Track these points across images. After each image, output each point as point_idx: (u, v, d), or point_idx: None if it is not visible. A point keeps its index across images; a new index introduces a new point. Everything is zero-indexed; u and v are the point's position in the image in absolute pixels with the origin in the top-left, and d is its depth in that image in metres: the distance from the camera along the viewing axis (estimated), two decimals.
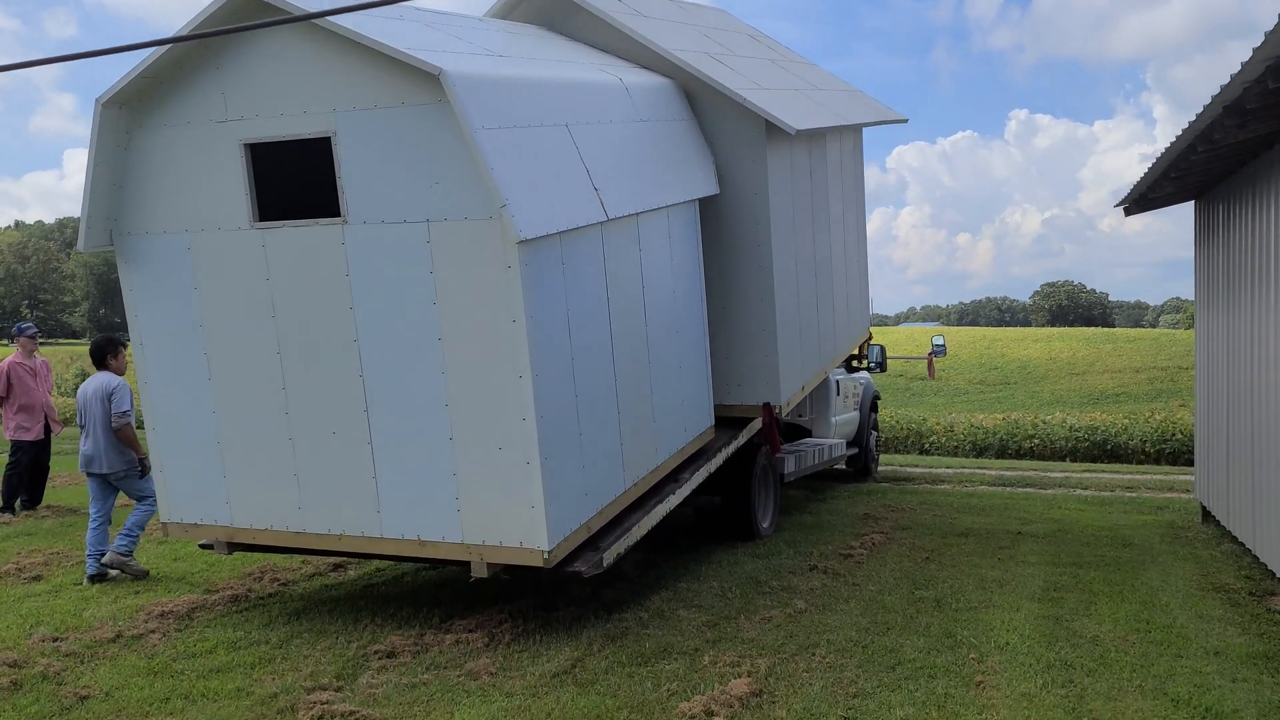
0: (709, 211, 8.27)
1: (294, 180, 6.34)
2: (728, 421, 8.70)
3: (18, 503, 10.78)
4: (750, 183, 8.29)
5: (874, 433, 13.78)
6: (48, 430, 10.98)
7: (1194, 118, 6.29)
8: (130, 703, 5.34)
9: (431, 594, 7.34)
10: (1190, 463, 17.59)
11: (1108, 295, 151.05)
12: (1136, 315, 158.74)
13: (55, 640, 6.35)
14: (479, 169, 5.58)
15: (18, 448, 10.76)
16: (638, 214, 7.01)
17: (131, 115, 6.41)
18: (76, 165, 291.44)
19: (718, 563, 8.13)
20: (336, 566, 8.23)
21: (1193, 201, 10.28)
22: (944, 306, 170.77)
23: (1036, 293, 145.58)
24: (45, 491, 11.23)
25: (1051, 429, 19.41)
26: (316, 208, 6.21)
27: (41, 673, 5.77)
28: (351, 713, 5.10)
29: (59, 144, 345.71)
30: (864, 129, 11.62)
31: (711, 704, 5.09)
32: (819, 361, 9.92)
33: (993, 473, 14.36)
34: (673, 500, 7.41)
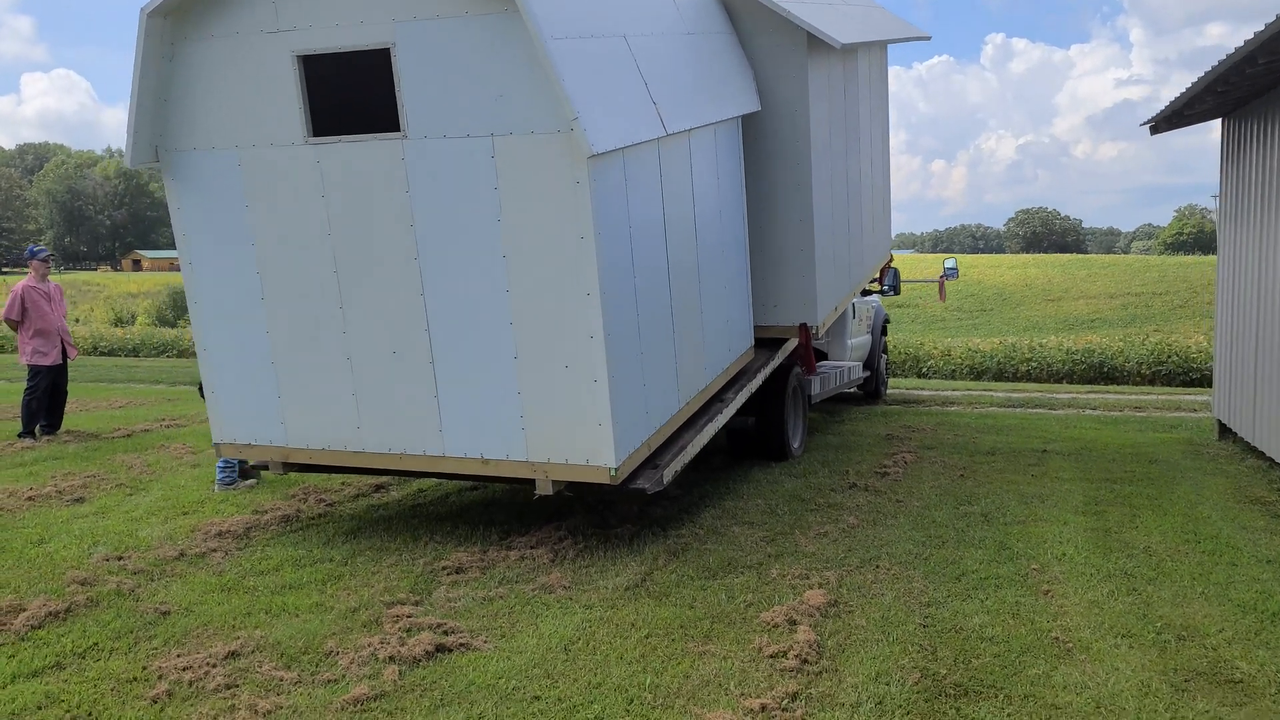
0: (748, 129, 8.20)
1: (349, 93, 6.20)
2: (763, 343, 8.73)
3: (38, 428, 10.69)
4: (790, 99, 8.20)
5: (884, 356, 13.88)
6: (64, 355, 10.85)
7: (1262, 27, 6.27)
8: (212, 617, 5.37)
9: (482, 513, 7.39)
10: (1187, 384, 17.93)
11: (1081, 222, 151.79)
12: (1109, 242, 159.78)
13: (118, 559, 6.35)
14: (550, 81, 5.48)
15: (36, 372, 10.65)
16: (689, 130, 6.94)
17: (176, 25, 6.23)
18: (35, 90, 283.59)
19: (757, 481, 8.22)
20: (378, 488, 8.26)
21: (1220, 119, 10.27)
22: (918, 234, 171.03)
23: (1011, 220, 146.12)
24: (64, 416, 11.14)
25: (1048, 352, 19.62)
26: (374, 122, 6.08)
27: (115, 589, 5.78)
28: (437, 624, 5.15)
29: (15, 68, 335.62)
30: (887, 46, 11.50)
31: (793, 613, 5.18)
32: (849, 283, 9.94)
33: (1000, 394, 14.53)
34: (720, 420, 7.45)
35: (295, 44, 6.03)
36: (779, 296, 8.63)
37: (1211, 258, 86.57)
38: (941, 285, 14.09)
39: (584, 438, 6.01)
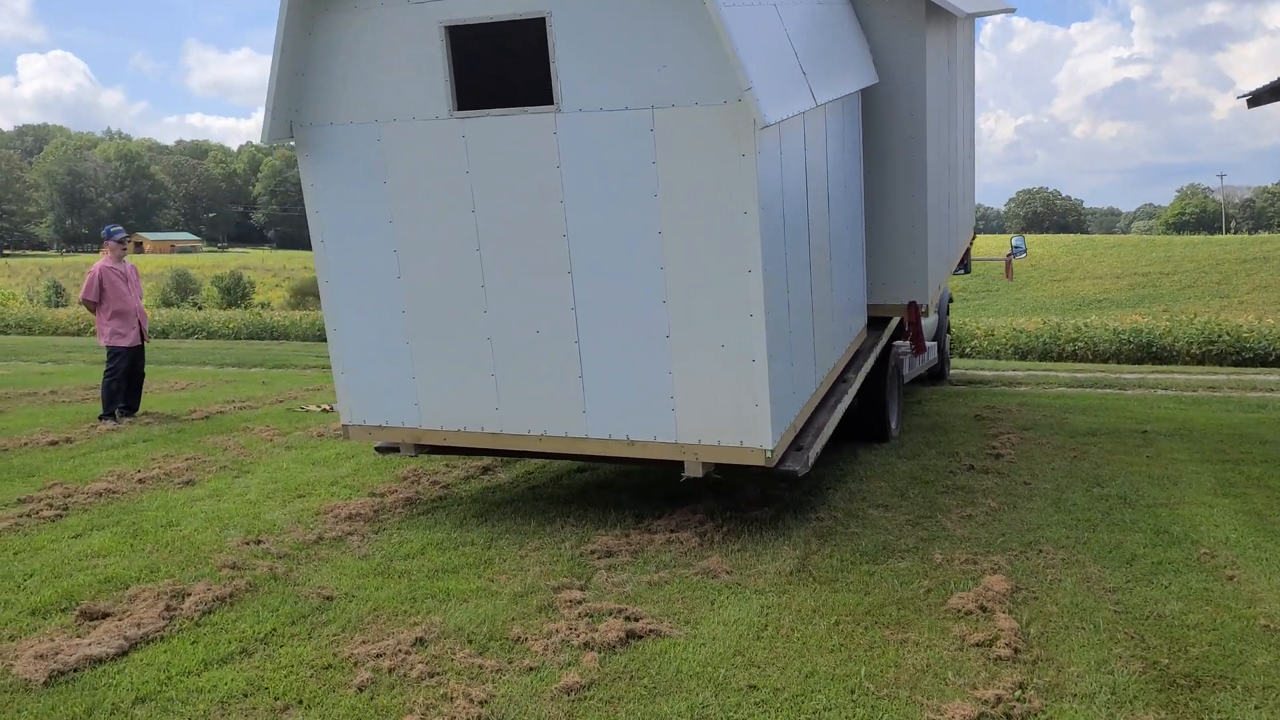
0: (863, 102, 8.04)
1: (497, 65, 6.02)
2: (870, 322, 8.60)
3: (118, 410, 10.55)
4: (907, 71, 8.03)
5: (947, 335, 13.75)
6: (142, 336, 10.70)
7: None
8: (379, 602, 5.25)
9: (604, 494, 7.27)
10: (1239, 363, 17.81)
11: (1082, 202, 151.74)
12: (1109, 222, 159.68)
13: (256, 542, 6.23)
14: (723, 51, 5.32)
15: (115, 354, 10.51)
16: (827, 103, 6.78)
17: None
18: (32, 71, 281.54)
19: (867, 463, 8.10)
20: (485, 469, 8.13)
21: None
22: None
23: (1012, 200, 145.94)
24: (141, 398, 11.00)
25: (1094, 332, 19.47)
26: (524, 95, 5.91)
27: (269, 574, 5.66)
28: (618, 610, 5.03)
29: (12, 49, 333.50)
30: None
31: (982, 599, 5.07)
32: (948, 261, 9.80)
33: (1065, 375, 14.40)
34: (847, 400, 7.33)
35: (444, 14, 5.86)
36: (888, 274, 8.48)
37: (1218, 236, 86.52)
38: (1009, 264, 13.95)
39: (739, 418, 5.88)
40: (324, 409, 11.33)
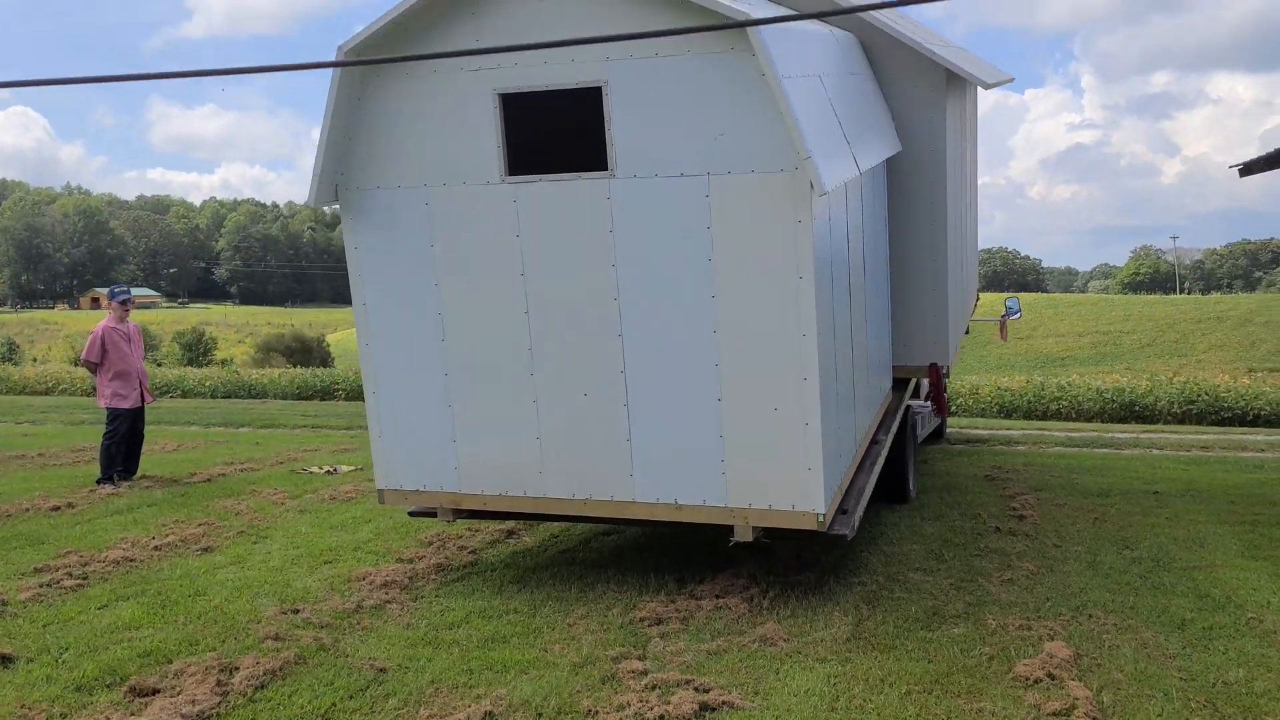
0: (888, 168, 8.17)
1: (550, 131, 6.05)
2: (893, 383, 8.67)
3: (116, 473, 10.32)
4: (928, 139, 8.18)
5: (945, 395, 13.86)
6: (143, 397, 10.52)
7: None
8: (436, 674, 5.13)
9: (640, 559, 7.19)
10: (1219, 423, 18.09)
11: (1040, 261, 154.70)
12: (1066, 281, 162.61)
13: (294, 612, 6.09)
14: (784, 120, 5.39)
15: (115, 416, 10.31)
16: (862, 171, 6.88)
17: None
18: None
19: (894, 525, 8.10)
20: (510, 533, 8.03)
21: None
22: None
23: None
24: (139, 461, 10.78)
25: (1077, 391, 19.74)
26: (578, 161, 5.95)
27: (316, 645, 5.52)
28: (685, 680, 4.96)
29: None
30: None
31: (1048, 667, 5.04)
32: (963, 322, 9.91)
33: (1060, 434, 14.55)
34: (880, 462, 7.35)
35: (497, 82, 5.90)
36: (909, 336, 8.56)
37: (1174, 296, 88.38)
38: (1003, 325, 14.13)
39: (791, 482, 5.86)
40: (327, 470, 11.17)
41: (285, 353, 50.97)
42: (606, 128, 5.78)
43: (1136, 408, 18.98)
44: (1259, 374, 35.74)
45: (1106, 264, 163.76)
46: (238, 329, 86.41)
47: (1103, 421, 18.72)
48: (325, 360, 46.85)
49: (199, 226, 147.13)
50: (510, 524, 8.12)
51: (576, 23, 5.72)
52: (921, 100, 8.13)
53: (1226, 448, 13.25)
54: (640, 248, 5.87)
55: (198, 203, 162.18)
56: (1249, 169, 10.58)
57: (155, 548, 7.66)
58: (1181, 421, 18.60)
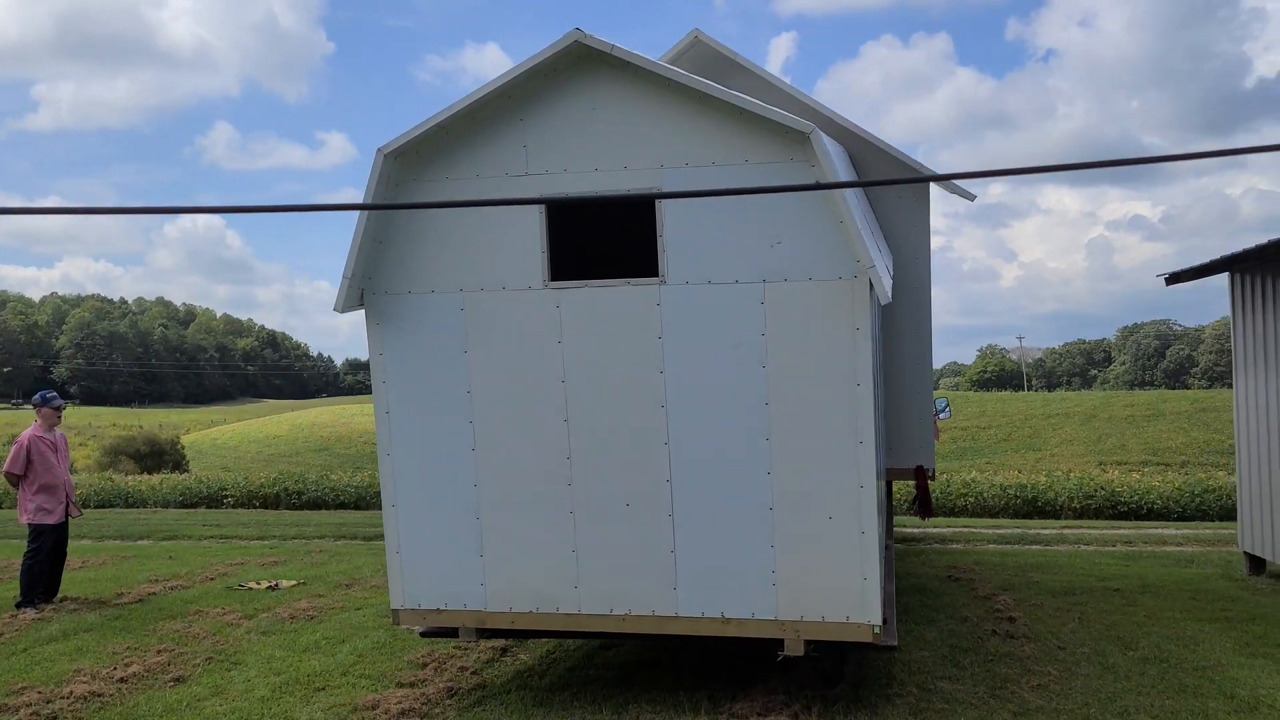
0: None
1: (597, 237, 5.96)
2: None
3: (38, 596, 9.43)
4: (912, 248, 8.42)
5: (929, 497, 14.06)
6: (68, 511, 9.71)
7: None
8: None
9: (656, 675, 6.92)
10: (1115, 516, 18.87)
11: None
12: None
13: None
14: (843, 229, 5.45)
15: (39, 532, 9.48)
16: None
17: (405, 167, 5.89)
18: None
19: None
20: (505, 650, 7.64)
21: (1227, 273, 11.16)
22: None
23: None
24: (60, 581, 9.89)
25: (981, 486, 20.36)
26: (627, 266, 5.86)
27: None
28: None
29: None
30: None
31: None
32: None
33: (987, 531, 14.91)
34: (892, 565, 7.33)
35: (546, 187, 5.80)
36: (897, 440, 8.66)
37: (1023, 393, 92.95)
38: (934, 424, 14.48)
39: (846, 593, 5.77)
40: (269, 586, 10.48)
41: (135, 456, 47.88)
42: (659, 235, 5.72)
43: (1039, 503, 19.66)
44: (1108, 466, 37.80)
45: (956, 362, 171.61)
46: (79, 431, 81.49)
47: (1007, 517, 19.32)
48: (179, 464, 44.13)
49: (38, 323, 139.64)
50: (502, 641, 7.73)
51: (630, 130, 5.68)
52: (906, 208, 8.38)
53: (1148, 542, 13.79)
54: (690, 354, 5.78)
55: (37, 298, 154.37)
56: (1176, 278, 11.26)
57: (120, 680, 6.97)
58: (1081, 515, 19.34)
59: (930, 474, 8.74)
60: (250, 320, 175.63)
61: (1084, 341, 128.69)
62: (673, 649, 7.48)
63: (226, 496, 23.18)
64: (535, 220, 5.83)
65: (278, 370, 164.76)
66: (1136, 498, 19.05)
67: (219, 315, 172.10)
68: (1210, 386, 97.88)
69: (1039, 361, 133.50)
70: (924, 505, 9.05)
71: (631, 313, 5.82)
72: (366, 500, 22.20)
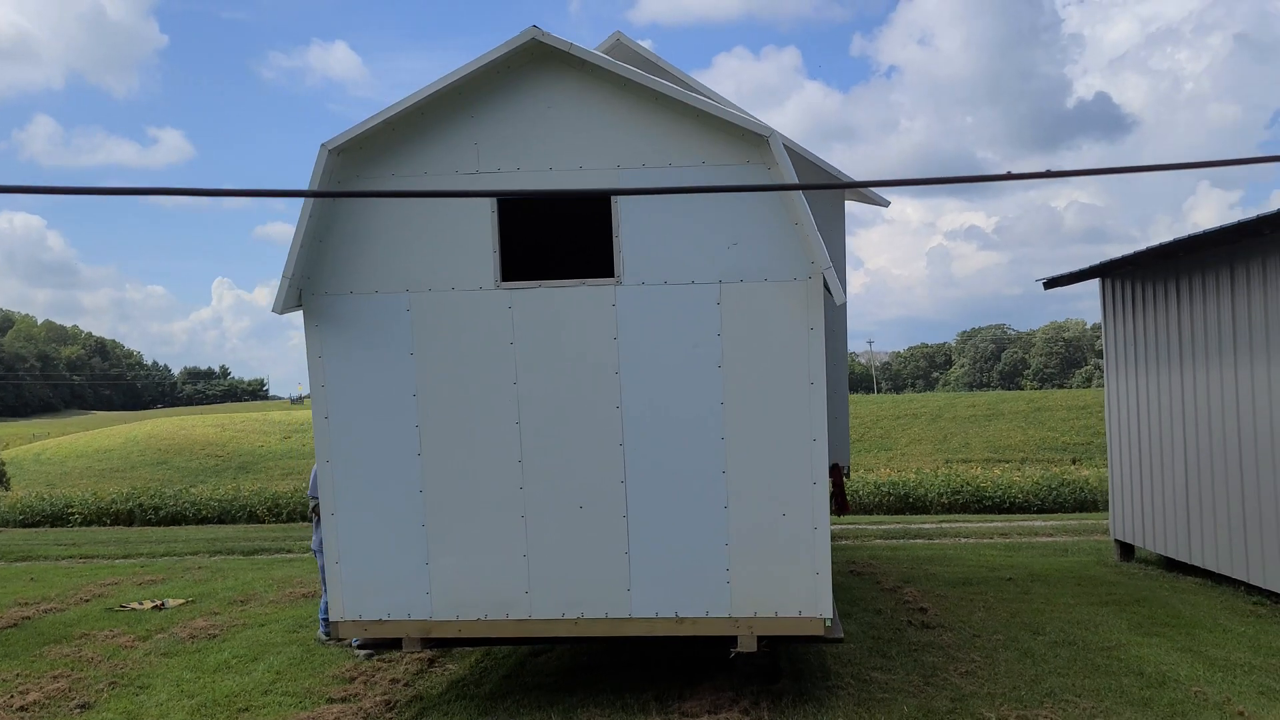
0: None
1: (551, 237, 5.88)
2: None
3: None
4: (833, 251, 8.59)
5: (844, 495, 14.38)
6: None
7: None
8: None
9: (597, 679, 6.86)
10: (982, 510, 19.75)
11: None
12: None
13: None
14: (799, 231, 5.54)
15: None
16: None
17: (349, 164, 5.70)
18: None
19: None
20: (433, 661, 7.46)
21: (1098, 280, 11.86)
22: None
23: None
24: None
25: (855, 485, 20.98)
26: (581, 267, 5.81)
27: None
28: None
29: None
30: None
31: None
32: None
33: (870, 527, 15.40)
34: None
35: (497, 186, 5.69)
36: None
37: (873, 395, 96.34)
38: None
39: (799, 588, 5.86)
40: (154, 606, 9.92)
41: None
42: (615, 235, 5.70)
43: (910, 499, 20.39)
44: (954, 464, 39.60)
45: None
46: None
47: (882, 513, 20.00)
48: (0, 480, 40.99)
49: None
50: (429, 651, 7.53)
51: (586, 130, 5.64)
52: (823, 215, 8.56)
53: (1022, 534, 14.50)
54: (646, 355, 5.78)
55: None
56: (1054, 283, 11.89)
57: (20, 709, 6.48)
58: (950, 510, 20.17)
59: (846, 472, 8.96)
60: (76, 327, 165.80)
61: (926, 345, 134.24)
62: (611, 651, 7.44)
63: (73, 514, 21.81)
64: (487, 219, 5.71)
65: (107, 380, 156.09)
66: (1000, 492, 19.96)
67: (40, 322, 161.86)
68: (1042, 387, 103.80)
69: (886, 365, 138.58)
70: (840, 502, 9.28)
71: (587, 314, 5.77)
72: (231, 514, 21.27)
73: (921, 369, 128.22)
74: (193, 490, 23.89)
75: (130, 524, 21.27)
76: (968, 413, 70.81)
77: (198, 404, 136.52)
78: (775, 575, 5.85)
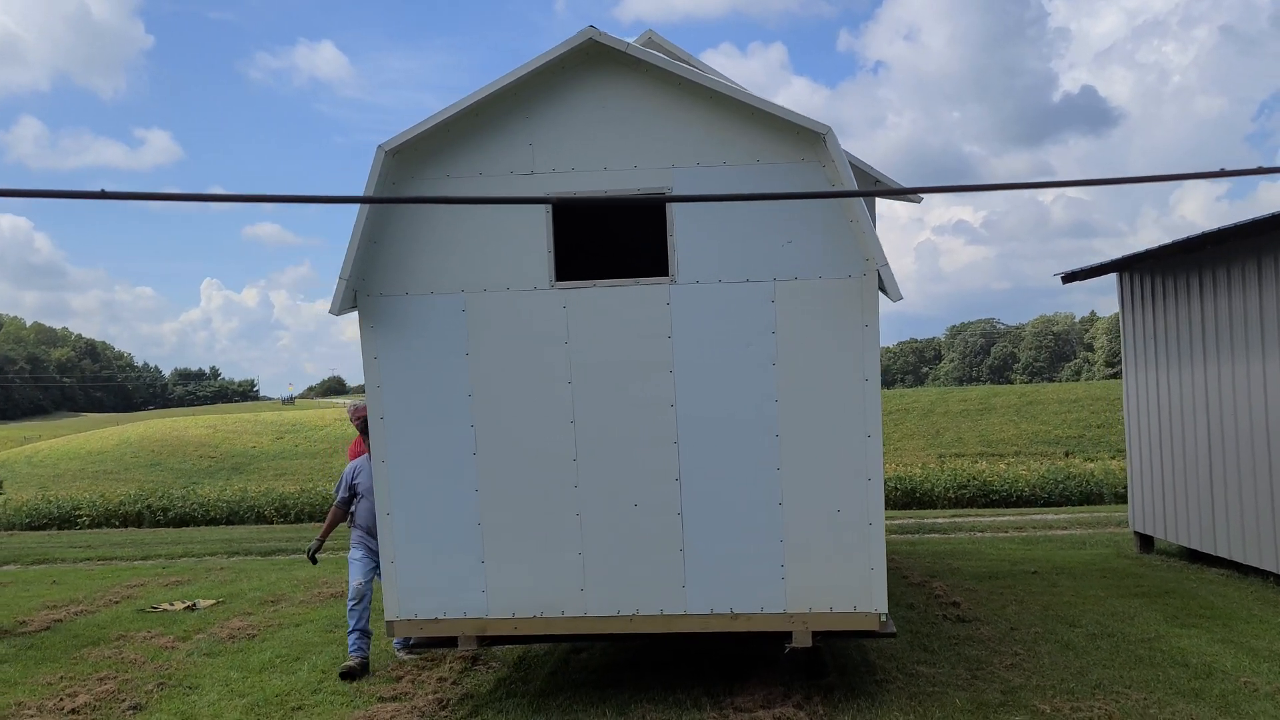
0: None
1: (605, 237, 5.91)
2: None
3: None
4: None
5: None
6: None
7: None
8: None
9: (644, 677, 6.89)
10: (988, 505, 19.85)
11: None
12: None
13: None
14: (855, 228, 5.58)
15: None
16: None
17: (404, 164, 5.72)
18: None
19: None
20: (476, 659, 7.48)
21: (1116, 274, 11.93)
22: None
23: None
24: None
25: None
26: (635, 266, 5.84)
27: None
28: None
29: None
30: None
31: None
32: None
33: (888, 521, 15.44)
34: None
35: (552, 187, 5.72)
36: None
37: None
38: None
39: (854, 583, 5.90)
40: (186, 607, 9.93)
41: None
42: (670, 234, 5.73)
43: (918, 493, 20.49)
44: (948, 459, 39.78)
45: None
46: None
47: (890, 508, 20.09)
48: None
49: None
50: (471, 651, 7.53)
51: (640, 129, 5.67)
52: None
53: (1036, 528, 14.60)
54: (700, 353, 5.81)
55: None
56: (1071, 277, 11.96)
57: (71, 711, 6.48)
58: (958, 505, 20.27)
59: None
60: (65, 329, 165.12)
61: (915, 340, 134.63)
62: (649, 649, 7.48)
63: (81, 516, 21.77)
64: (541, 219, 5.74)
65: (98, 382, 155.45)
66: (1006, 486, 20.07)
67: (29, 324, 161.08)
68: (1031, 381, 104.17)
69: None
70: None
71: (641, 313, 5.80)
72: (240, 515, 21.25)
73: (911, 364, 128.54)
74: (200, 491, 23.86)
75: (139, 525, 21.25)
76: (959, 407, 71.00)
77: (189, 405, 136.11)
78: (830, 571, 5.89)
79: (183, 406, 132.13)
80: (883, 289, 5.67)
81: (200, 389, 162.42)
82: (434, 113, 5.61)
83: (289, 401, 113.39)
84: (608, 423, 5.88)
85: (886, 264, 5.55)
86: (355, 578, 7.23)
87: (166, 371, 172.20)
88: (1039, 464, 24.36)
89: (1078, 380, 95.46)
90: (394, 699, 6.57)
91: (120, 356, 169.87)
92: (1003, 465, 23.22)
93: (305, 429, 50.72)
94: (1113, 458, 26.58)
